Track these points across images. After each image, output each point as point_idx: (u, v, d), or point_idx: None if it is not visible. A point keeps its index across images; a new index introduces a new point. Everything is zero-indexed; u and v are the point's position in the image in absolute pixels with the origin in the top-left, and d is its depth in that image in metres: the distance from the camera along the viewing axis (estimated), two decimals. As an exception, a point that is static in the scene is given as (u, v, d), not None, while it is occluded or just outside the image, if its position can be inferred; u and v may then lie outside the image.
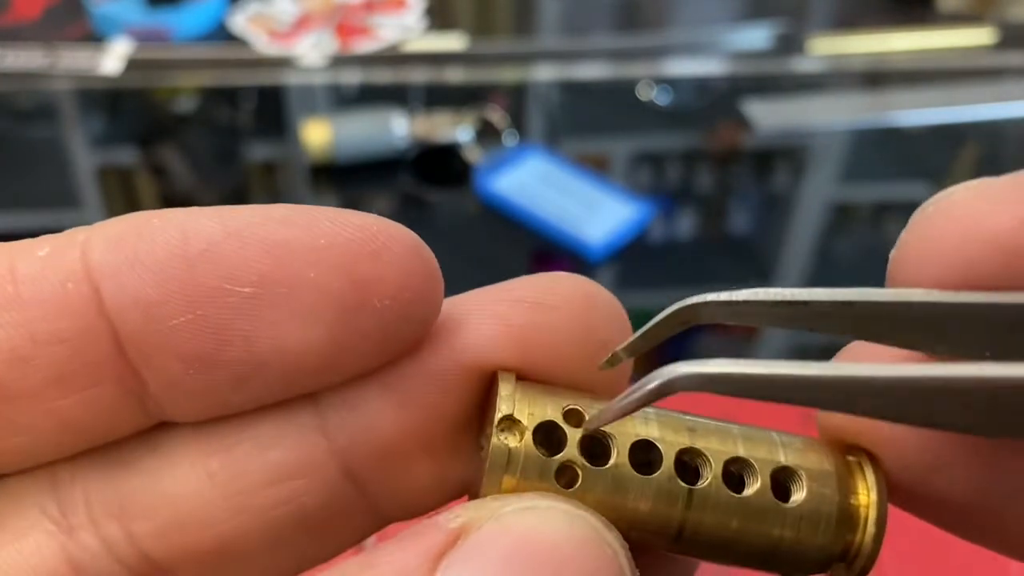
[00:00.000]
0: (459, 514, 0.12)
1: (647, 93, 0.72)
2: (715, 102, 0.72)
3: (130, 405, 0.13)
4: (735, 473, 0.13)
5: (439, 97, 0.71)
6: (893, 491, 0.13)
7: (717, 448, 0.13)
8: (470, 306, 0.14)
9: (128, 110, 0.73)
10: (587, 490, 0.13)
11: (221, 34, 0.79)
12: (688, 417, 0.13)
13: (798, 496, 0.13)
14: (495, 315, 0.14)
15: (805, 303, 0.12)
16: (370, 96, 0.72)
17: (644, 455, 0.13)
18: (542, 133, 0.70)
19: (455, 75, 0.74)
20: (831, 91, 0.73)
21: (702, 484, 0.13)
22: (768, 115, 0.69)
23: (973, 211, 0.11)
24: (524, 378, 0.13)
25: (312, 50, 0.76)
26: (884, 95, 0.73)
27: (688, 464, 0.13)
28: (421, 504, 0.14)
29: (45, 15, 0.81)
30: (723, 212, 0.65)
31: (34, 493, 0.13)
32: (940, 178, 0.64)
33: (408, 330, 0.13)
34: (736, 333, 0.54)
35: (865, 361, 0.13)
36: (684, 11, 0.89)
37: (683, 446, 0.13)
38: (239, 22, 0.79)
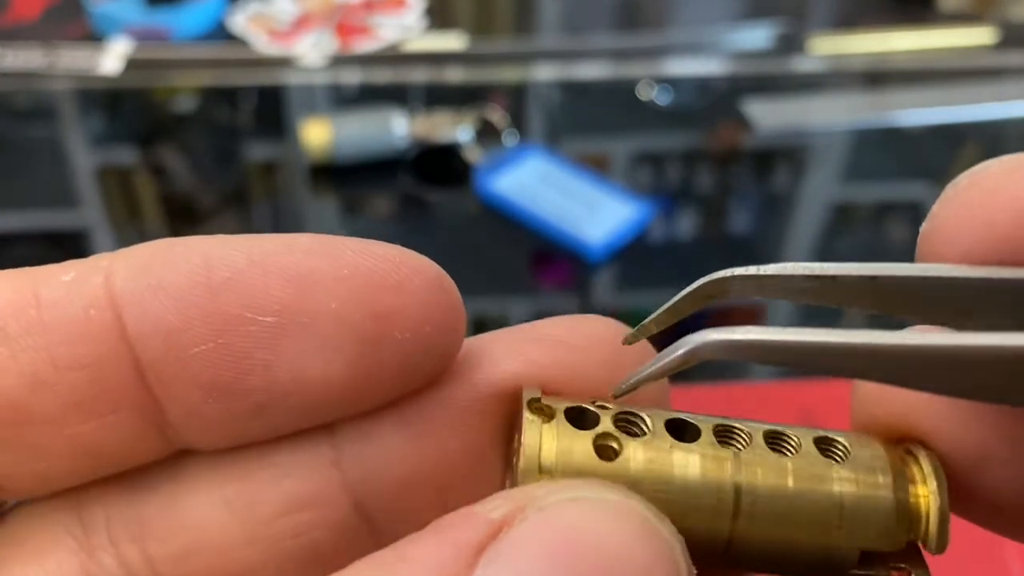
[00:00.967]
0: (499, 504, 0.11)
1: (647, 93, 0.72)
2: (715, 102, 0.72)
3: (150, 432, 0.13)
4: (776, 440, 0.12)
5: (439, 97, 0.71)
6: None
7: (751, 423, 0.13)
8: (493, 342, 0.14)
9: (127, 110, 0.73)
10: (628, 462, 0.12)
11: (221, 34, 0.78)
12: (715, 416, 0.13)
13: (846, 457, 0.12)
14: (518, 352, 0.13)
15: (833, 277, 0.11)
16: (370, 96, 0.72)
17: (679, 433, 0.12)
18: (542, 133, 0.70)
19: (455, 75, 0.74)
20: (831, 91, 0.73)
21: (746, 448, 0.12)
22: (768, 115, 0.69)
23: (1007, 185, 0.11)
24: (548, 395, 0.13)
25: (312, 50, 0.76)
26: (884, 95, 0.73)
27: (726, 435, 0.12)
28: None
29: (44, 15, 0.81)
30: (723, 212, 0.65)
31: (59, 514, 0.13)
32: (940, 178, 0.64)
33: (429, 363, 0.13)
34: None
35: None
36: (684, 11, 0.89)
37: (718, 423, 0.13)
38: (239, 22, 0.79)
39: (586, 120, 0.72)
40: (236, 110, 0.73)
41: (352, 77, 0.74)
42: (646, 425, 0.12)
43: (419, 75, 0.74)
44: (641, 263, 0.58)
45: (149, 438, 0.13)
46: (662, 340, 0.12)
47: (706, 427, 0.12)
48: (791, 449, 0.12)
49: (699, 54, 0.76)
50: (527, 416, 0.12)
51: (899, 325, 0.12)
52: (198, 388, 0.12)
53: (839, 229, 0.63)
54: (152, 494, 0.14)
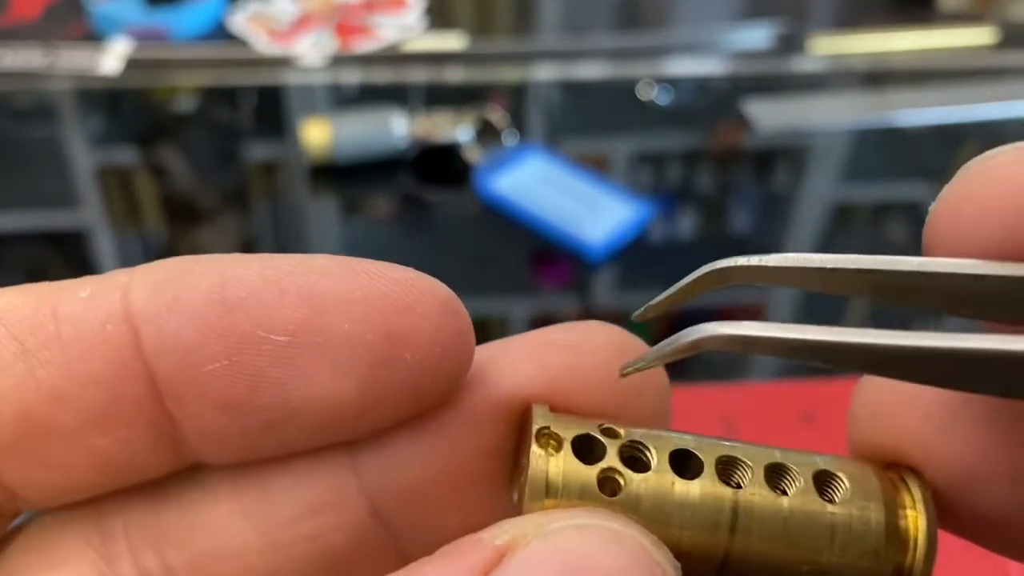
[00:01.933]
0: (505, 530, 0.11)
1: (647, 93, 0.72)
2: (715, 102, 0.72)
3: (164, 446, 0.13)
4: (776, 477, 0.13)
5: (439, 97, 0.71)
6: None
7: (755, 454, 0.13)
8: (506, 348, 0.14)
9: (127, 110, 0.73)
10: (631, 497, 0.12)
11: (220, 34, 0.78)
12: (722, 439, 0.13)
13: (843, 495, 0.13)
14: (529, 357, 0.14)
15: (832, 269, 0.12)
16: (370, 96, 0.72)
17: (682, 465, 0.13)
18: (542, 133, 0.70)
19: (455, 75, 0.74)
20: (831, 91, 0.73)
21: (746, 487, 0.13)
22: (768, 115, 0.69)
23: (1016, 174, 0.11)
24: (556, 410, 0.13)
25: (312, 50, 0.76)
26: (884, 95, 0.73)
27: (728, 470, 0.13)
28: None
29: (44, 14, 0.81)
30: (723, 212, 0.65)
31: (79, 524, 0.14)
32: (940, 178, 0.64)
33: (438, 384, 0.13)
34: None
35: None
36: (684, 11, 0.89)
37: (721, 454, 0.13)
38: (239, 22, 0.79)
39: (586, 120, 0.72)
40: (236, 110, 0.73)
41: (352, 77, 0.74)
42: (650, 455, 0.13)
43: (419, 75, 0.74)
44: (641, 263, 0.58)
45: (164, 452, 0.13)
46: (668, 332, 0.13)
47: (709, 460, 0.13)
48: (790, 487, 0.13)
49: (699, 54, 0.76)
50: (534, 449, 0.13)
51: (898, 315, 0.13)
52: (212, 405, 0.13)
53: (839, 229, 0.63)
54: (170, 503, 0.14)
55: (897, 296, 0.12)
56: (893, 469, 0.13)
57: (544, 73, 0.75)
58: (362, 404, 0.13)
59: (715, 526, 0.12)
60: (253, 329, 0.12)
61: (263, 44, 0.77)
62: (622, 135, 0.70)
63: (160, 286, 0.13)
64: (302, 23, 0.80)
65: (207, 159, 0.69)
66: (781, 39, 0.78)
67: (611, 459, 0.13)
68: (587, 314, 0.56)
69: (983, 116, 0.69)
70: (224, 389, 0.12)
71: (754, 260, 0.12)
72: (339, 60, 0.76)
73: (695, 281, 0.13)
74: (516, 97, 0.73)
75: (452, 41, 0.78)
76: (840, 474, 0.13)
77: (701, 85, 0.73)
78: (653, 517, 0.12)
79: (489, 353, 0.14)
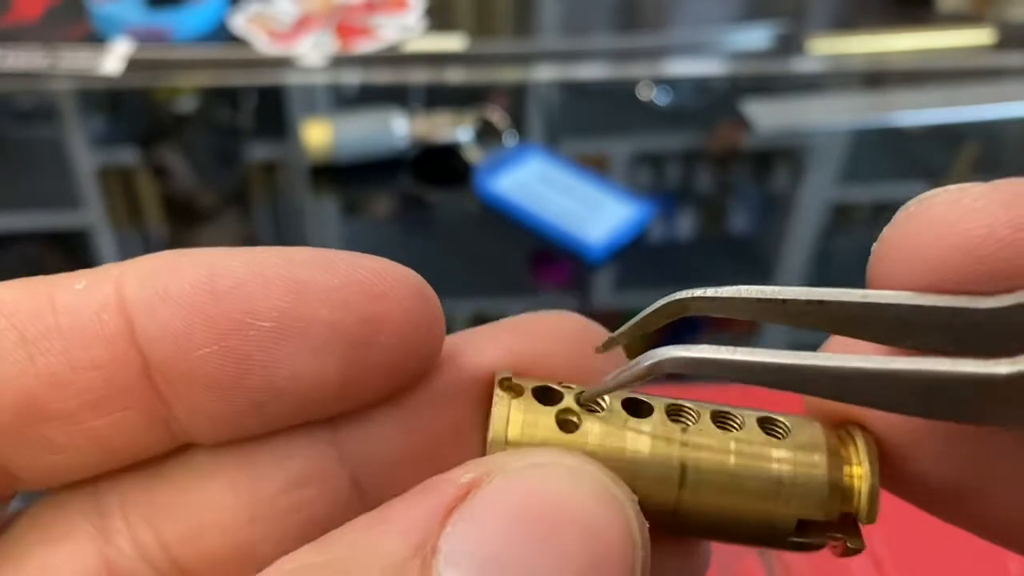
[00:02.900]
0: (470, 469, 0.12)
1: (647, 93, 0.72)
2: (715, 102, 0.72)
3: (157, 427, 0.14)
4: (722, 419, 0.14)
5: (439, 97, 0.71)
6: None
7: (703, 404, 0.14)
8: (475, 334, 0.15)
9: (129, 110, 0.73)
10: (586, 435, 0.13)
11: (221, 34, 0.79)
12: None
13: (787, 439, 0.14)
14: (495, 342, 0.15)
15: (783, 300, 0.13)
16: (370, 96, 0.72)
17: (635, 410, 0.14)
18: (542, 133, 0.70)
19: (455, 75, 0.74)
20: (831, 91, 0.73)
21: (694, 425, 0.14)
22: (768, 115, 0.69)
23: (948, 216, 0.12)
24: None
25: (312, 50, 0.77)
26: (884, 95, 0.73)
27: (677, 413, 0.14)
28: None
29: (46, 15, 0.81)
30: (723, 212, 0.65)
31: (78, 502, 0.15)
32: (940, 178, 0.64)
33: (412, 364, 0.14)
34: (736, 329, 0.54)
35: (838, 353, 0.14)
36: (684, 11, 0.89)
37: (670, 402, 0.14)
38: (239, 22, 0.80)
39: (586, 120, 0.72)
40: (237, 110, 0.73)
41: (352, 77, 0.74)
42: (605, 402, 0.14)
43: (419, 75, 0.74)
44: (641, 263, 0.59)
45: (157, 432, 0.14)
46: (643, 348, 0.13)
47: (659, 405, 0.14)
48: (735, 427, 0.14)
49: (699, 54, 0.76)
50: (497, 392, 0.14)
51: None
52: (202, 387, 0.14)
53: (838, 229, 0.63)
54: (163, 481, 0.15)
55: (846, 327, 0.13)
56: (841, 426, 0.14)
57: (544, 74, 0.75)
58: (342, 383, 0.14)
59: (667, 462, 0.13)
60: (240, 316, 0.13)
61: (264, 45, 0.77)
62: (622, 135, 0.70)
63: (151, 277, 0.13)
64: (303, 24, 0.80)
65: (208, 159, 0.69)
66: (780, 40, 0.78)
67: (568, 402, 0.14)
68: (587, 314, 0.55)
69: (982, 116, 0.69)
70: (214, 372, 0.13)
71: (710, 292, 0.13)
72: (339, 61, 0.76)
73: (655, 312, 0.14)
74: (516, 98, 0.73)
75: (452, 42, 0.78)
76: (783, 419, 0.14)
77: (700, 86, 0.73)
78: (609, 455, 0.13)
79: (460, 339, 0.15)
